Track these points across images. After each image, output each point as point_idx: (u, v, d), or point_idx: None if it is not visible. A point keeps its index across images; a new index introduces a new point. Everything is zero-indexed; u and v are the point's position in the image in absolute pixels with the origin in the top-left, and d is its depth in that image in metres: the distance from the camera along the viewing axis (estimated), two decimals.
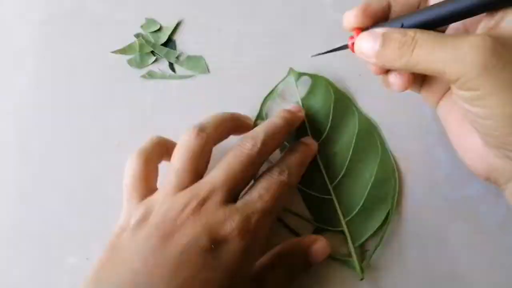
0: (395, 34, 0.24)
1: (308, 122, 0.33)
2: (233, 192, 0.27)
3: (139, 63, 0.35)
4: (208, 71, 0.35)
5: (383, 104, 0.33)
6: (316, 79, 0.33)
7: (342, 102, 0.33)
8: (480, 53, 0.21)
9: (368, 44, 0.25)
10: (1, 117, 0.36)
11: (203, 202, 0.26)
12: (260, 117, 0.33)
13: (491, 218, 0.31)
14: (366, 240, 0.31)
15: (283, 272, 0.28)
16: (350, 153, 0.32)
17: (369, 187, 0.31)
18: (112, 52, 0.35)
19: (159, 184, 0.29)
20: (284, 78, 0.34)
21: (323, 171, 0.32)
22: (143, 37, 0.36)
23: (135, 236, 0.26)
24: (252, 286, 0.27)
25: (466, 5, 0.22)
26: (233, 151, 0.28)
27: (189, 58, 0.35)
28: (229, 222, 0.25)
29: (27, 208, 0.34)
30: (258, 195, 0.27)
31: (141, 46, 0.35)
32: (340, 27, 0.35)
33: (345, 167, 0.32)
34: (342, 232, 0.31)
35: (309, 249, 0.29)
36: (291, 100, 0.34)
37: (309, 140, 0.32)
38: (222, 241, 0.25)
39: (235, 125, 0.31)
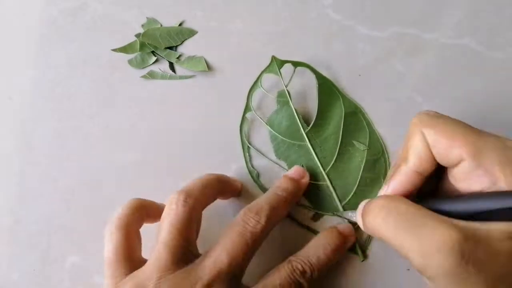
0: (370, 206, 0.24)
1: (296, 111, 0.33)
2: (237, 274, 0.26)
3: (140, 63, 0.35)
4: (209, 71, 0.35)
5: (384, 105, 0.33)
6: (298, 66, 0.33)
7: (326, 86, 0.33)
8: (447, 258, 0.19)
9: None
10: (1, 117, 0.36)
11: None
12: (247, 108, 0.34)
13: None
14: None
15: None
16: (340, 137, 0.33)
17: (361, 170, 0.32)
18: (113, 50, 0.35)
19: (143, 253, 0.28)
20: (267, 66, 0.33)
21: (316, 158, 0.33)
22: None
23: None
24: None
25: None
26: (237, 228, 0.27)
27: (190, 58, 0.35)
28: None
29: (28, 208, 0.34)
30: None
31: (141, 46, 0.35)
32: (340, 28, 0.35)
33: (337, 151, 0.32)
34: (340, 216, 0.32)
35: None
36: (276, 89, 0.34)
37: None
38: None
39: (222, 187, 0.31)
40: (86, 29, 0.36)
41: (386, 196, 0.24)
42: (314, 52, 0.35)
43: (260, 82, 0.33)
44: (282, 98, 0.33)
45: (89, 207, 0.33)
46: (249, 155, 0.33)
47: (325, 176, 0.32)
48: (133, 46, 0.36)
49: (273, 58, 0.33)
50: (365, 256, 0.31)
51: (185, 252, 0.26)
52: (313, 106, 0.33)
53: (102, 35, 0.36)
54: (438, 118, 0.23)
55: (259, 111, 0.34)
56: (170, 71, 0.35)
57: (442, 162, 0.23)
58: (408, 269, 0.31)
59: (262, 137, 0.34)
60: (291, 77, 0.33)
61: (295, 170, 0.32)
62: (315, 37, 0.35)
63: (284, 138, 0.33)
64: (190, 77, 0.35)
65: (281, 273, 0.27)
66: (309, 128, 0.33)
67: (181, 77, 0.35)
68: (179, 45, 0.36)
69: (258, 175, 0.33)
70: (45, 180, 0.34)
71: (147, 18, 0.36)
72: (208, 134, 0.34)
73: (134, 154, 0.34)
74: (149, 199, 0.30)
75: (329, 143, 0.33)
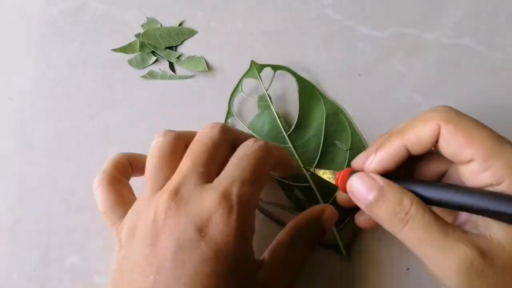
0: (390, 196, 0.23)
1: (278, 114, 0.33)
2: (205, 175, 0.25)
3: (140, 63, 0.35)
4: (209, 71, 0.35)
5: (384, 105, 0.33)
6: (278, 69, 0.33)
7: (307, 89, 0.33)
8: (464, 275, 0.20)
9: (361, 189, 0.24)
10: (1, 117, 0.36)
11: (175, 192, 0.24)
12: (229, 114, 0.34)
13: None
14: (349, 221, 0.31)
15: (304, 245, 0.27)
16: (322, 138, 0.33)
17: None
18: (113, 50, 0.35)
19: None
20: (247, 71, 0.34)
21: (299, 160, 0.33)
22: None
23: (128, 254, 0.24)
24: (268, 268, 0.25)
25: (465, 203, 0.22)
26: (194, 139, 0.26)
27: (190, 58, 0.35)
28: (208, 201, 0.23)
29: (28, 208, 0.34)
30: (234, 166, 0.25)
31: (141, 46, 0.35)
32: (340, 28, 0.35)
33: (319, 152, 0.33)
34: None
35: (321, 218, 0.28)
36: (258, 93, 0.34)
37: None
38: (208, 224, 0.23)
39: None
40: (86, 29, 0.36)
41: (417, 202, 0.22)
42: (314, 52, 0.35)
43: (241, 87, 0.34)
44: (263, 102, 0.33)
45: (89, 207, 0.33)
46: None
47: (309, 178, 0.32)
48: (133, 46, 0.36)
49: (252, 62, 0.33)
50: (348, 254, 0.31)
51: (166, 177, 0.26)
52: (294, 108, 0.33)
53: (102, 35, 0.36)
54: (459, 115, 0.23)
55: (241, 115, 0.34)
56: (170, 71, 0.35)
57: (450, 157, 0.23)
58: (408, 268, 0.31)
59: None
60: (271, 80, 0.33)
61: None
62: (315, 37, 0.35)
63: None
64: (190, 77, 0.35)
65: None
66: (291, 130, 0.33)
67: (181, 77, 0.35)
68: (179, 45, 0.36)
69: None
70: (45, 180, 0.34)
71: (147, 18, 0.36)
72: None
73: None
74: (135, 152, 0.30)
75: (311, 145, 0.33)
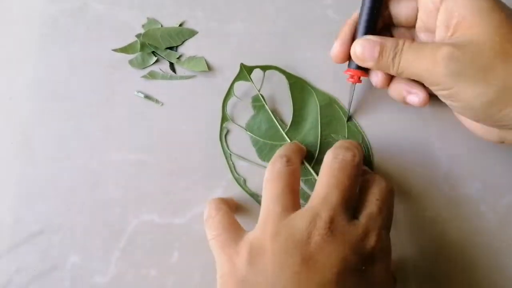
0: (388, 43, 0.27)
1: (273, 112, 0.33)
2: (352, 210, 0.26)
3: (141, 64, 0.36)
4: (209, 71, 0.35)
5: (385, 104, 0.34)
6: (267, 69, 0.34)
7: (297, 84, 0.34)
8: (443, 64, 0.25)
9: (367, 51, 0.28)
10: (1, 117, 0.36)
11: (330, 221, 0.24)
12: (224, 118, 0.34)
13: (490, 218, 0.31)
14: None
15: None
16: (319, 130, 0.33)
17: None
18: (113, 50, 0.35)
19: None
20: (237, 75, 0.34)
21: None
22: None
23: (256, 270, 0.24)
24: None
25: None
26: (336, 164, 0.27)
27: (190, 58, 0.35)
28: (367, 240, 0.25)
29: (28, 208, 0.34)
30: (377, 208, 0.26)
31: (142, 46, 0.36)
32: (340, 28, 0.35)
33: (319, 145, 0.33)
34: None
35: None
36: (250, 94, 0.34)
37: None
38: (369, 261, 0.24)
39: (303, 154, 0.32)
40: (87, 29, 0.36)
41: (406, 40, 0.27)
42: (314, 52, 0.35)
43: (233, 91, 0.34)
44: (257, 102, 0.34)
45: (89, 207, 0.33)
46: (233, 163, 0.33)
47: (311, 170, 0.33)
48: (133, 46, 0.36)
49: (242, 65, 0.33)
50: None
51: (294, 202, 0.26)
52: (288, 106, 0.34)
53: (102, 35, 0.36)
54: None
55: (236, 119, 0.34)
56: (171, 71, 0.35)
57: None
58: None
59: (243, 143, 0.34)
60: (262, 81, 0.33)
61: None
62: (315, 37, 0.35)
63: (265, 141, 0.33)
64: (191, 77, 0.35)
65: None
66: (288, 127, 0.33)
67: (181, 77, 0.35)
68: (179, 45, 0.36)
69: (244, 181, 0.33)
70: (45, 180, 0.34)
71: (147, 18, 0.36)
72: (208, 134, 0.34)
73: (134, 154, 0.34)
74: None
75: (309, 138, 0.33)
